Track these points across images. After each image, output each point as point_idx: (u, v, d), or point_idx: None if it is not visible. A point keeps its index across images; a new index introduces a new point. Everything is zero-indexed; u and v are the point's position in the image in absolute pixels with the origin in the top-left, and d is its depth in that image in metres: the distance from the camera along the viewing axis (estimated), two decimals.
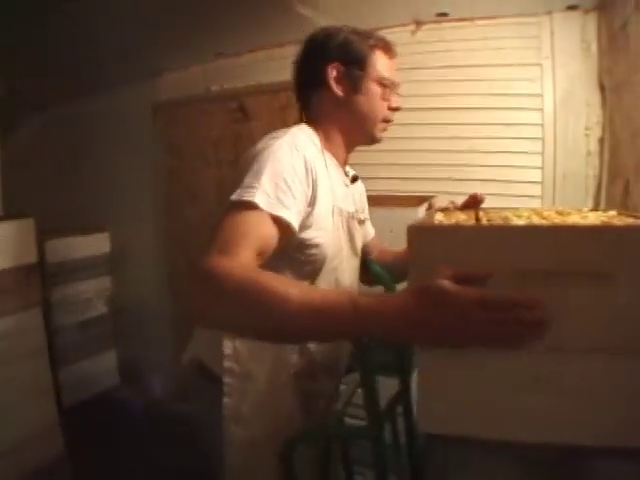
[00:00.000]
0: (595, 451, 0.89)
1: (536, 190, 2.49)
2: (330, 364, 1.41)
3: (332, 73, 1.35)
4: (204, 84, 3.44)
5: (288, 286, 0.90)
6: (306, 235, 1.23)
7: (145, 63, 3.38)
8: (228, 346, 1.28)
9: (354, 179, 1.55)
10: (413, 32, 2.66)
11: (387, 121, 1.42)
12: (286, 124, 1.37)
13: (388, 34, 2.64)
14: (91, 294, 3.89)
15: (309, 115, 1.44)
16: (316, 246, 1.26)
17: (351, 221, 1.42)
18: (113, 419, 3.33)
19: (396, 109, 1.42)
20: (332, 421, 1.40)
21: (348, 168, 1.55)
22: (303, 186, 1.18)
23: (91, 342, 3.84)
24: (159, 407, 3.51)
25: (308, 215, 1.21)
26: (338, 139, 1.42)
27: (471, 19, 2.57)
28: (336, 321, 0.87)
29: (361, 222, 1.52)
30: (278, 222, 1.10)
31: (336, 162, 1.42)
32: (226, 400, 1.27)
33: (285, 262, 1.23)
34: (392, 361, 1.43)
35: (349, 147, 1.47)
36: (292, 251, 1.23)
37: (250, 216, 1.06)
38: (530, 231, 0.89)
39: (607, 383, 0.85)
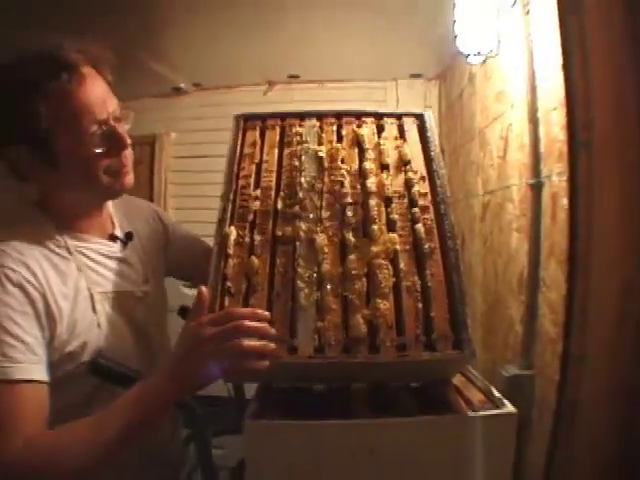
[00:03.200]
0: None
1: None
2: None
3: (18, 160, 1.02)
4: None
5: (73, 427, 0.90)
6: (71, 350, 1.02)
7: None
8: None
9: (128, 237, 1.21)
10: (265, 92, 2.73)
11: (122, 167, 1.07)
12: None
13: (241, 93, 2.77)
14: None
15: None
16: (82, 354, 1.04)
17: (120, 301, 1.13)
18: None
19: (118, 151, 1.05)
20: None
21: (120, 224, 1.23)
22: (28, 321, 0.95)
23: None
24: None
25: (69, 335, 1.01)
26: (74, 209, 1.11)
27: (321, 82, 2.68)
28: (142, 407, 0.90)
29: (139, 299, 1.18)
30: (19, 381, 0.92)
31: (91, 233, 1.14)
32: None
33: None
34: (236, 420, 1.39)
35: (94, 209, 1.15)
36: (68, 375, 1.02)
37: None
38: None
39: (436, 451, 0.89)
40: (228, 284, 1.00)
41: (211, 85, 2.79)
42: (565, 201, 1.13)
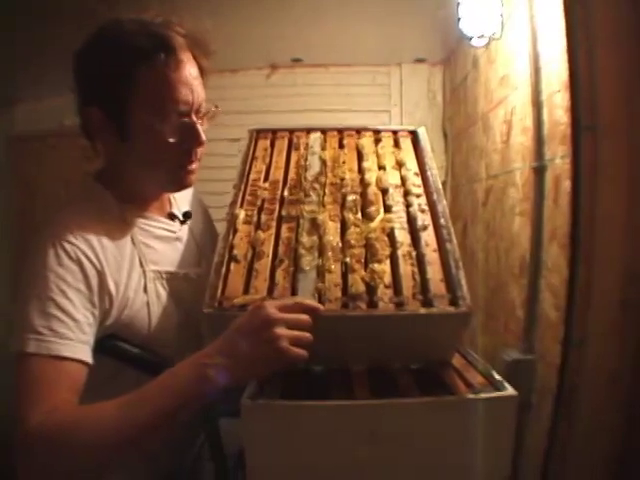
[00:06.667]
0: None
1: None
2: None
3: (90, 121, 1.02)
4: (58, 118, 3.28)
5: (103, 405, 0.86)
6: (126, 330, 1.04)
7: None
8: None
9: (185, 216, 1.23)
10: (268, 75, 2.71)
11: (189, 163, 1.07)
12: None
13: (244, 76, 2.74)
14: None
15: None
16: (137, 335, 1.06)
17: (173, 282, 1.13)
18: None
19: (190, 147, 1.05)
20: None
21: (178, 203, 1.25)
22: (80, 299, 0.94)
23: None
24: None
25: (120, 313, 1.02)
26: (137, 188, 1.11)
27: (325, 65, 2.66)
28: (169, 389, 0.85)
29: (191, 281, 1.16)
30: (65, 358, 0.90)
31: (151, 210, 1.15)
32: None
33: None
34: None
35: (157, 194, 1.17)
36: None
37: (31, 368, 0.88)
38: None
39: (435, 432, 0.89)
40: (235, 252, 1.05)
41: (214, 68, 2.75)
42: (568, 184, 1.12)
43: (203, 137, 1.05)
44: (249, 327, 0.85)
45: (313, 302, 0.91)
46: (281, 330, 0.84)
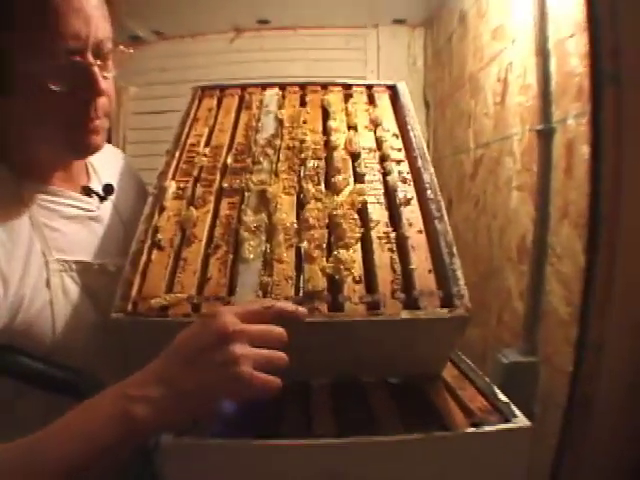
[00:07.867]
0: None
1: None
2: None
3: None
4: None
5: None
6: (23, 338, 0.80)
7: None
8: None
9: (106, 191, 0.99)
10: (232, 40, 2.47)
11: (88, 121, 0.83)
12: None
13: (206, 42, 2.50)
14: None
15: None
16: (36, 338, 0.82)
17: (86, 275, 0.89)
18: None
19: (86, 97, 0.80)
20: None
21: (97, 175, 1.01)
22: None
23: None
24: None
25: (13, 317, 0.78)
26: (32, 157, 0.87)
27: (294, 28, 2.43)
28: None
29: (111, 275, 0.91)
30: None
31: (58, 184, 0.91)
32: None
33: None
34: None
35: (57, 162, 0.91)
36: None
37: None
38: None
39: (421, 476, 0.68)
40: (158, 236, 0.84)
41: (174, 33, 2.52)
42: (585, 149, 0.91)
43: (101, 84, 0.79)
44: (197, 344, 0.63)
45: (290, 305, 0.69)
46: (242, 348, 0.61)
